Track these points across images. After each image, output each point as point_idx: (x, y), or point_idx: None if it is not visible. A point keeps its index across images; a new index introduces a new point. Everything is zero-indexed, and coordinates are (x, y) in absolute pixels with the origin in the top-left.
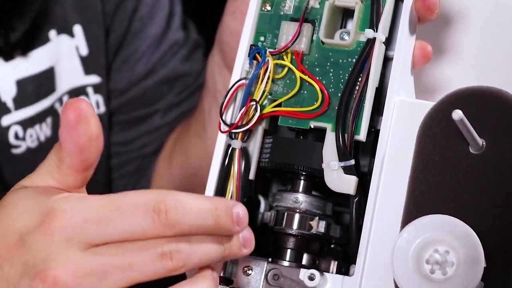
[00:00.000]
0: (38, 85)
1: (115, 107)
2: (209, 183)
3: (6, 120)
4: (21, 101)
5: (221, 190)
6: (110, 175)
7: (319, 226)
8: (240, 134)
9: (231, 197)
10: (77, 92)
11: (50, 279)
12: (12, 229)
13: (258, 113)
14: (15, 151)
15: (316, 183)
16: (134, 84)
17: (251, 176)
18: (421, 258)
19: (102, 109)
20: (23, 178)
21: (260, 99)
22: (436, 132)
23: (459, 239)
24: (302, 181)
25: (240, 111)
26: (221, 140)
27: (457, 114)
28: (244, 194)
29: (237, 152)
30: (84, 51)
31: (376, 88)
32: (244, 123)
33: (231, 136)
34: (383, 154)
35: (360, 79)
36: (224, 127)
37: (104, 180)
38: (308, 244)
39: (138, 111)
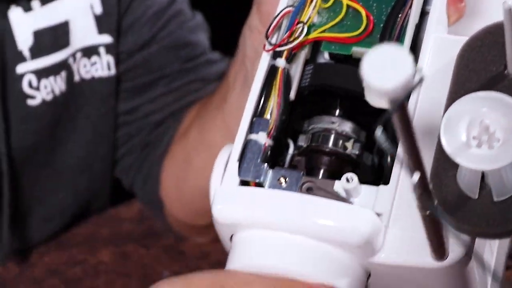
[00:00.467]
0: (54, 37)
1: (121, 71)
2: (249, 101)
3: (21, 68)
4: (36, 51)
5: (262, 108)
6: (117, 151)
7: (354, 147)
8: (285, 53)
9: (270, 114)
10: (90, 50)
11: None
12: None
13: (304, 34)
14: (30, 102)
15: (354, 110)
16: (139, 49)
17: (292, 95)
18: (469, 132)
19: (113, 71)
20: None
21: (306, 21)
22: (474, 56)
23: (508, 116)
24: (339, 105)
25: (285, 33)
26: (265, 59)
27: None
28: (283, 114)
29: (280, 70)
30: (99, 10)
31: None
32: (290, 40)
33: (274, 56)
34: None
35: (401, 14)
36: (268, 47)
37: (109, 155)
38: (342, 165)
39: (143, 78)
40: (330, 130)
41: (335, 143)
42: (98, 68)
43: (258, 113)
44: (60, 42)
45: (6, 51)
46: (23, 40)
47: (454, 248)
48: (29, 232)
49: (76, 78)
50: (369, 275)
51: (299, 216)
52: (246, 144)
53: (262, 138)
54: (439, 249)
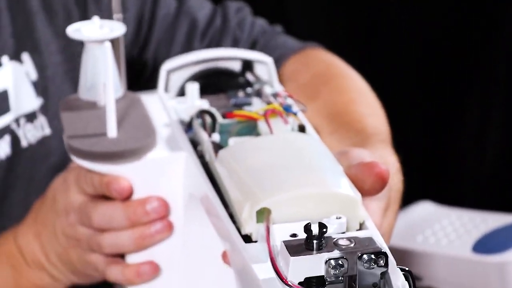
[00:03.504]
0: None
1: None
2: None
3: None
4: None
5: None
6: None
7: None
8: None
9: None
10: (32, 115)
11: None
12: None
13: None
14: None
15: None
16: None
17: None
18: None
19: (47, 130)
20: None
21: None
22: None
23: None
24: None
25: None
26: None
27: None
28: None
29: None
30: (34, 76)
31: None
32: None
33: None
34: None
35: None
36: None
37: None
38: None
39: None
40: None
41: None
42: (44, 129)
43: None
44: (2, 108)
45: None
46: None
47: None
48: None
49: (24, 143)
50: None
51: None
52: None
53: None
54: None
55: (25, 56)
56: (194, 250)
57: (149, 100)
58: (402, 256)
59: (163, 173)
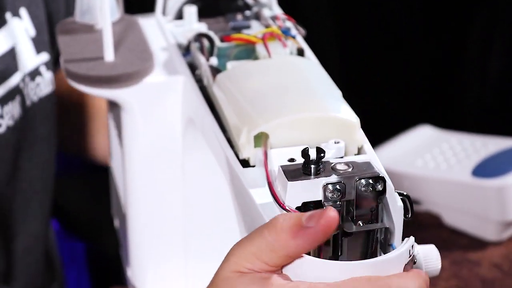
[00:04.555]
0: (6, 64)
1: None
2: None
3: None
4: None
5: None
6: None
7: None
8: None
9: None
10: (34, 73)
11: None
12: None
13: None
14: None
15: None
16: None
17: None
18: None
19: (53, 86)
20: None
21: None
22: None
23: None
24: None
25: None
26: None
27: None
28: None
29: None
30: (32, 32)
31: None
32: None
33: None
34: None
35: None
36: None
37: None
38: None
39: None
40: None
41: None
42: (42, 87)
43: None
44: (11, 68)
45: None
46: None
47: None
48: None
49: (28, 102)
50: None
51: None
52: None
53: None
54: None
55: (23, 11)
56: (193, 178)
57: (146, 23)
58: (401, 180)
59: (161, 97)
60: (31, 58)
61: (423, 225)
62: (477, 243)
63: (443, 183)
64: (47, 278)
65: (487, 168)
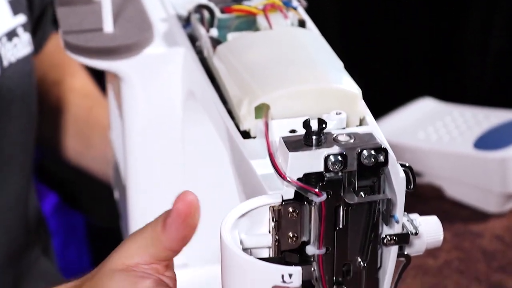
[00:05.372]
0: None
1: None
2: None
3: None
4: None
5: None
6: None
7: None
8: None
9: None
10: (11, 34)
11: None
12: None
13: None
14: None
15: None
16: None
17: None
18: None
19: (31, 47)
20: None
21: None
22: None
23: None
24: None
25: None
26: None
27: None
28: None
29: None
30: None
31: None
32: None
33: None
34: None
35: None
36: None
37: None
38: None
39: None
40: None
41: None
42: (19, 48)
43: None
44: None
45: None
46: None
47: None
48: None
49: (5, 62)
50: None
51: None
52: None
53: None
54: None
55: None
56: (193, 150)
57: None
58: (403, 153)
59: (161, 69)
60: (7, 20)
61: (425, 197)
62: (479, 215)
63: (445, 155)
64: (25, 241)
65: (489, 140)
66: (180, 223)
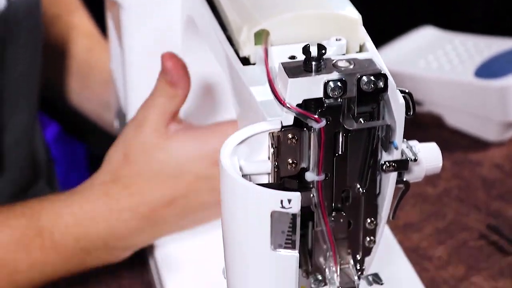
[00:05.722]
0: None
1: None
2: None
3: None
4: None
5: None
6: None
7: None
8: None
9: None
10: None
11: None
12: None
13: None
14: None
15: None
16: None
17: None
18: None
19: None
20: None
21: None
22: None
23: None
24: None
25: None
26: None
27: None
28: None
29: None
30: None
31: None
32: None
33: None
34: None
35: None
36: None
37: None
38: None
39: None
40: None
41: None
42: None
43: None
44: None
45: None
46: None
47: None
48: None
49: None
50: None
51: None
52: None
53: None
54: None
55: None
56: (192, 78)
57: None
58: (403, 81)
59: None
60: None
61: (424, 126)
62: (478, 144)
63: (445, 84)
64: (33, 174)
65: (490, 69)
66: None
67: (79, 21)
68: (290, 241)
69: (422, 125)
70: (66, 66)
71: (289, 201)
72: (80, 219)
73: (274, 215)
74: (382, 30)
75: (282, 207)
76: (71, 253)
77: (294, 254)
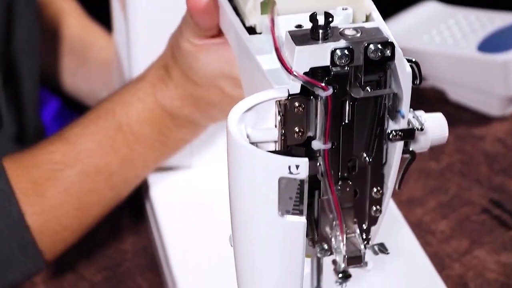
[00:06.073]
0: None
1: None
2: None
3: None
4: None
5: None
6: None
7: None
8: None
9: None
10: None
11: None
12: None
13: None
14: None
15: None
16: None
17: None
18: None
19: None
20: None
21: None
22: None
23: None
24: None
25: None
26: None
27: None
28: None
29: None
30: None
31: None
32: None
33: None
34: None
35: None
36: None
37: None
38: None
39: None
40: None
41: None
42: None
43: None
44: None
45: None
46: None
47: None
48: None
49: None
50: None
51: None
52: None
53: None
54: None
55: None
56: None
57: None
58: (406, 55)
59: None
60: None
61: (427, 100)
62: (481, 118)
63: (448, 58)
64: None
65: (492, 43)
66: None
67: (70, 6)
68: (297, 208)
69: (425, 100)
70: (60, 47)
71: (297, 167)
72: (146, 102)
73: (281, 181)
74: (386, 5)
75: (290, 173)
76: (152, 140)
77: (301, 220)
